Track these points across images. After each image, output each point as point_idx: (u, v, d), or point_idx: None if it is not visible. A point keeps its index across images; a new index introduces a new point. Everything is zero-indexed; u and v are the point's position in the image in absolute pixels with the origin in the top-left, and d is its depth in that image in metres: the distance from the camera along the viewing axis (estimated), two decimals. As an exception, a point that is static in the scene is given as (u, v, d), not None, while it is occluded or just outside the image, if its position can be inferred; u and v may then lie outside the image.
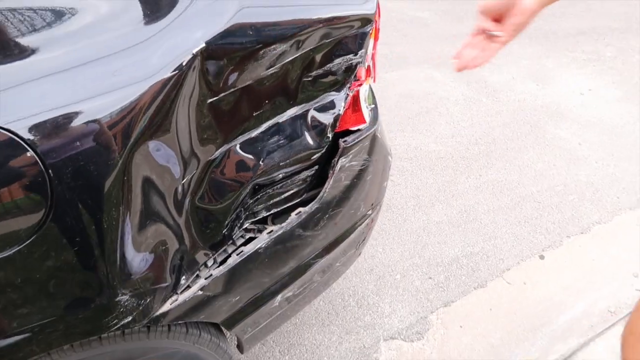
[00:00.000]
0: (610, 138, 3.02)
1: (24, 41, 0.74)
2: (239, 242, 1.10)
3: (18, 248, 0.74)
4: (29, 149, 0.71)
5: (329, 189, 1.20)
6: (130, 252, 0.85)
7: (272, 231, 1.13)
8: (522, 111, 3.22)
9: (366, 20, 1.11)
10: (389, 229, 2.27)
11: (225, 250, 1.08)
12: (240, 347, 1.33)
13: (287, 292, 1.27)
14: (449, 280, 2.06)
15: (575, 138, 3.00)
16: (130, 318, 0.88)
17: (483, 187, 2.58)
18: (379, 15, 1.19)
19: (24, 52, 0.74)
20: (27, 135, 0.71)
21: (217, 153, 0.98)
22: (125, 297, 0.86)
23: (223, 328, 1.20)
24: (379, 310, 1.92)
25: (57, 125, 0.73)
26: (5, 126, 0.69)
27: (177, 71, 0.82)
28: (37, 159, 0.72)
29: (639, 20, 4.57)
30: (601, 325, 1.92)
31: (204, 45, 0.85)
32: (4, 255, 0.73)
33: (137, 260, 0.87)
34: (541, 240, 2.28)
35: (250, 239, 1.12)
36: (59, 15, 0.77)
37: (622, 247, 2.29)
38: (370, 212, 1.41)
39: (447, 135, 2.94)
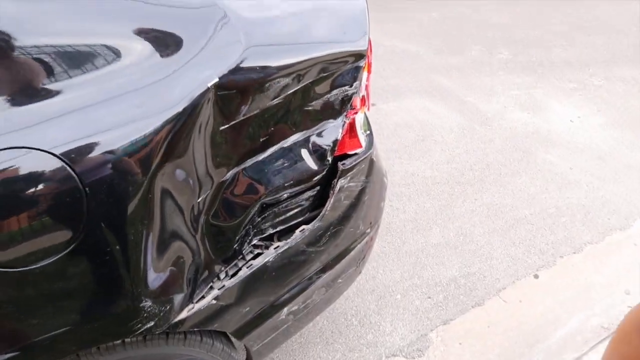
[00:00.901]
0: (599, 163, 3.14)
1: (66, 79, 0.86)
2: (248, 257, 1.20)
3: (56, 257, 0.84)
4: (69, 169, 0.82)
5: (330, 208, 1.31)
6: (153, 263, 0.96)
7: (278, 247, 1.24)
8: (514, 138, 3.35)
9: (359, 56, 1.25)
10: (388, 252, 2.36)
11: (236, 264, 1.18)
12: (248, 361, 1.41)
13: (293, 306, 1.36)
14: (447, 300, 2.15)
15: (566, 163, 3.12)
16: (152, 323, 0.98)
17: (478, 210, 2.68)
18: (371, 51, 1.32)
19: (63, 89, 0.86)
20: (68, 158, 0.82)
21: (229, 175, 1.09)
22: (148, 304, 0.96)
23: (233, 340, 1.28)
24: (380, 329, 1.99)
25: (92, 150, 0.85)
26: (50, 150, 0.81)
27: (193, 102, 0.95)
28: (76, 178, 0.83)
29: (621, 52, 4.76)
30: (594, 340, 1.99)
31: (217, 79, 0.97)
32: (46, 262, 0.83)
33: (159, 270, 0.97)
34: (535, 261, 2.37)
35: (259, 254, 1.22)
36: (95, 57, 0.89)
37: (613, 266, 2.37)
38: (369, 230, 1.52)
39: (443, 161, 3.06)
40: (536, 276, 2.29)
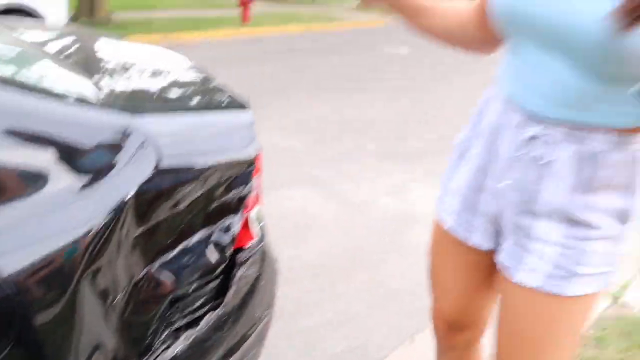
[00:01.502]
0: (454, 236, 3.65)
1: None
2: (161, 349, 1.30)
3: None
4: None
5: (232, 296, 1.47)
6: (77, 361, 1.04)
7: (187, 336, 1.35)
8: (384, 221, 3.78)
9: (250, 162, 1.49)
10: (280, 334, 2.50)
11: (149, 357, 1.27)
12: None
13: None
14: (337, 374, 2.33)
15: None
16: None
17: (359, 287, 2.97)
18: (260, 156, 1.57)
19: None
20: None
21: (142, 274, 1.22)
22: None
23: None
24: (280, 410, 2.09)
25: (22, 260, 0.95)
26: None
27: (114, 213, 1.09)
28: (7, 288, 0.92)
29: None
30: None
31: (135, 189, 1.13)
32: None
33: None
34: (411, 326, 2.67)
35: (170, 345, 1.32)
36: (22, 178, 1.01)
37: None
38: (265, 314, 1.68)
39: (322, 247, 3.35)
40: (412, 340, 2.58)
